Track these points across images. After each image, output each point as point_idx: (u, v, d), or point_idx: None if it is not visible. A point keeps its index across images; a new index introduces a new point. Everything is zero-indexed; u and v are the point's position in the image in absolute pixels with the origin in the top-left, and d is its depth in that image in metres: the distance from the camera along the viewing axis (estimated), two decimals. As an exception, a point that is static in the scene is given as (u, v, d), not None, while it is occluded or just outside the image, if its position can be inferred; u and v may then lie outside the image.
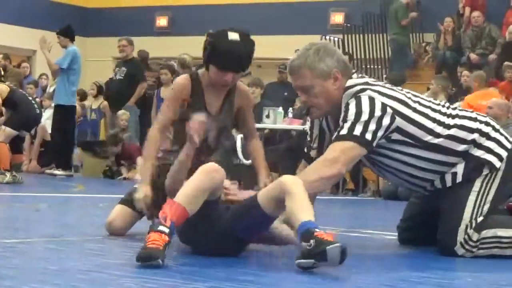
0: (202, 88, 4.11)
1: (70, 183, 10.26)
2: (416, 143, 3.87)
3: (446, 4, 14.88)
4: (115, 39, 12.73)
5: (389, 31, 14.83)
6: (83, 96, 13.85)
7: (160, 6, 18.63)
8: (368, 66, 14.69)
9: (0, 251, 3.41)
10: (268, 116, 11.14)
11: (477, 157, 3.94)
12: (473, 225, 3.91)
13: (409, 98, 3.91)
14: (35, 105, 9.82)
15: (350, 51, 14.60)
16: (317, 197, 3.95)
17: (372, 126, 3.73)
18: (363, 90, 3.81)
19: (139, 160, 9.97)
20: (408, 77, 13.65)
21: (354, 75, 3.92)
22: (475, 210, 3.92)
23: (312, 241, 3.07)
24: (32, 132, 12.08)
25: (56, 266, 3.03)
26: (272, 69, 14.47)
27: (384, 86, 3.93)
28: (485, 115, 4.16)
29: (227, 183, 3.60)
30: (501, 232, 3.95)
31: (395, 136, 3.83)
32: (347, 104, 3.79)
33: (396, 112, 3.80)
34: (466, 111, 4.13)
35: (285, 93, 12.25)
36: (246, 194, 3.60)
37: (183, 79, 4.16)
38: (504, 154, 3.98)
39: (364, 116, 3.72)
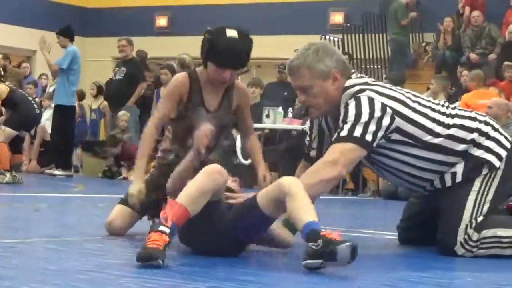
0: (200, 85, 4.11)
1: (70, 183, 10.26)
2: (416, 143, 3.87)
3: (445, 4, 14.88)
4: (114, 39, 12.72)
5: (389, 31, 14.83)
6: (81, 96, 13.86)
7: (159, 6, 18.63)
8: (368, 66, 14.69)
9: (0, 251, 3.41)
10: (268, 116, 11.14)
11: (476, 157, 3.94)
12: (473, 225, 3.91)
13: (409, 98, 3.91)
14: (35, 105, 9.83)
15: (350, 51, 14.60)
16: (317, 197, 3.94)
17: (372, 127, 3.72)
18: (362, 90, 3.81)
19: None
20: (408, 77, 13.65)
21: (353, 75, 3.91)
22: (475, 209, 3.92)
23: (319, 241, 3.05)
24: (32, 132, 12.08)
25: (56, 266, 3.02)
26: (271, 69, 14.48)
27: (383, 86, 3.93)
28: (484, 115, 4.16)
29: (230, 183, 3.59)
30: (501, 232, 3.95)
31: (395, 136, 3.83)
32: (347, 105, 3.78)
33: (395, 112, 3.80)
34: (466, 110, 4.13)
35: (285, 93, 12.26)
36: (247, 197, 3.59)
37: (181, 76, 4.17)
38: (503, 153, 3.98)
39: (364, 117, 3.72)
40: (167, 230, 3.15)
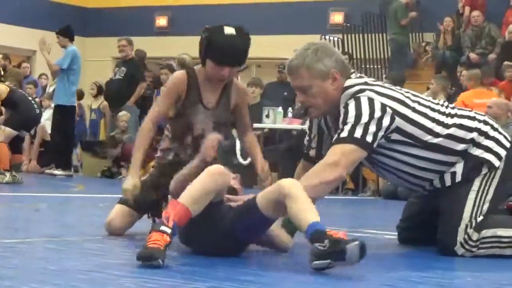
0: (198, 83, 4.13)
1: (70, 183, 10.27)
2: (416, 142, 3.87)
3: (445, 4, 14.87)
4: (114, 39, 12.73)
5: (389, 30, 14.83)
6: (80, 95, 13.86)
7: (159, 6, 18.63)
8: (368, 66, 14.69)
9: (0, 251, 3.41)
10: (267, 116, 11.15)
11: (476, 156, 3.94)
12: (473, 224, 3.91)
13: (408, 97, 3.91)
14: (35, 105, 9.83)
15: (350, 51, 14.59)
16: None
17: (372, 128, 3.72)
18: (362, 90, 3.80)
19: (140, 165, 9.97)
20: (408, 77, 13.65)
21: (353, 75, 3.91)
22: (475, 209, 3.92)
23: (326, 241, 3.03)
24: (32, 132, 12.08)
25: (56, 266, 3.02)
26: (271, 69, 14.48)
27: (383, 86, 3.92)
28: (483, 114, 4.16)
29: (232, 181, 3.58)
30: (501, 231, 3.95)
31: (395, 136, 3.83)
32: (346, 105, 3.78)
33: (395, 112, 3.79)
34: (465, 110, 4.13)
35: (285, 93, 12.25)
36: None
37: (179, 74, 4.19)
38: (503, 153, 3.98)
39: (364, 118, 3.71)
40: (168, 230, 3.14)
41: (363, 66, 14.61)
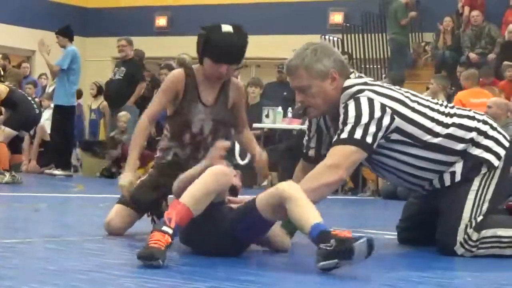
0: (196, 81, 4.15)
1: (70, 183, 10.27)
2: (415, 142, 3.87)
3: (445, 4, 14.88)
4: (114, 39, 12.72)
5: (389, 30, 14.83)
6: (78, 94, 13.86)
7: (159, 6, 18.63)
8: (368, 66, 14.69)
9: (0, 251, 3.40)
10: (267, 116, 11.15)
11: (475, 156, 3.94)
12: (473, 224, 3.91)
13: (407, 97, 3.90)
14: (35, 105, 9.83)
15: (350, 51, 14.60)
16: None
17: (372, 129, 3.71)
18: (361, 90, 3.79)
19: (137, 162, 9.96)
20: (407, 76, 13.64)
21: (352, 75, 3.91)
22: (474, 209, 3.92)
23: (332, 241, 3.02)
24: (32, 132, 12.08)
25: (55, 266, 3.02)
26: (271, 69, 14.48)
27: (382, 86, 3.92)
28: (482, 113, 4.16)
29: (234, 180, 3.58)
30: (500, 231, 3.95)
31: (395, 136, 3.83)
32: (346, 105, 3.77)
33: (395, 112, 3.79)
34: (464, 109, 4.12)
35: (285, 93, 12.25)
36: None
37: (177, 72, 4.21)
38: (502, 152, 3.98)
39: (364, 119, 3.70)
40: (170, 231, 3.14)
41: (362, 66, 14.61)
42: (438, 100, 4.16)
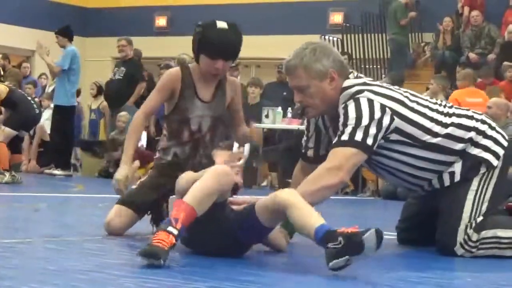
0: (193, 79, 4.16)
1: (69, 183, 10.27)
2: (415, 142, 3.86)
3: (445, 4, 14.87)
4: (114, 39, 12.73)
5: (388, 31, 14.83)
6: (76, 93, 13.86)
7: (159, 6, 18.63)
8: (367, 66, 14.69)
9: (0, 251, 3.40)
10: (267, 116, 11.15)
11: (474, 156, 3.94)
12: (473, 225, 3.91)
13: (407, 97, 3.90)
14: (34, 105, 9.82)
15: (349, 51, 14.60)
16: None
17: (372, 130, 3.70)
18: (361, 91, 3.79)
19: (136, 162, 9.97)
20: (407, 77, 13.65)
21: (351, 75, 3.91)
22: (474, 209, 3.92)
23: (339, 239, 2.99)
24: (31, 132, 12.08)
25: (55, 266, 3.02)
26: (271, 69, 14.47)
27: (381, 86, 3.92)
28: (481, 113, 4.16)
29: (237, 178, 3.58)
30: (500, 232, 3.95)
31: (394, 136, 3.82)
32: (346, 106, 3.76)
33: (394, 113, 3.79)
34: (462, 109, 4.12)
35: (284, 93, 12.24)
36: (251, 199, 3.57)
37: (173, 70, 4.25)
38: (501, 152, 3.98)
39: (365, 120, 3.69)
40: (175, 232, 3.13)
41: (362, 66, 14.61)
42: (437, 100, 4.16)
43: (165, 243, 3.06)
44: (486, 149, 3.96)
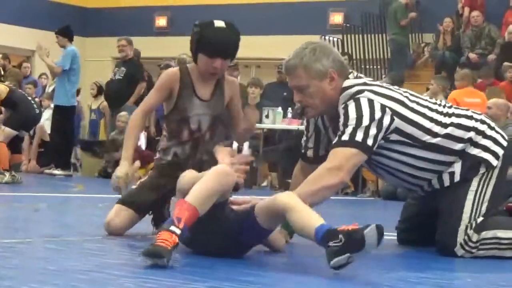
0: (191, 79, 4.17)
1: (70, 183, 10.27)
2: (414, 143, 3.86)
3: (445, 4, 14.88)
4: (114, 39, 12.73)
5: (388, 31, 14.83)
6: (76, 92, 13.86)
7: (159, 6, 18.63)
8: (368, 67, 14.69)
9: (0, 251, 3.40)
10: (267, 116, 11.15)
11: (473, 156, 3.94)
12: (473, 225, 3.91)
13: (407, 97, 3.90)
14: (35, 105, 9.83)
15: (350, 51, 14.60)
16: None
17: (373, 131, 3.70)
18: (361, 91, 3.79)
19: (137, 163, 9.98)
20: (407, 77, 13.65)
21: (351, 75, 3.90)
22: (474, 210, 3.92)
23: (340, 236, 2.98)
24: (31, 132, 12.08)
25: (55, 266, 3.02)
26: (271, 69, 14.48)
27: (381, 86, 3.92)
28: (480, 113, 4.16)
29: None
30: (500, 233, 3.95)
31: (394, 136, 3.82)
32: (346, 106, 3.76)
33: (394, 113, 3.79)
34: (462, 109, 4.12)
35: (284, 93, 12.24)
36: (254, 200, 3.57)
37: (172, 70, 4.28)
38: (500, 152, 3.98)
39: (365, 121, 3.69)
40: (178, 231, 3.12)
41: (362, 66, 14.61)
42: (436, 100, 4.16)
43: (168, 243, 3.06)
44: (485, 149, 3.96)
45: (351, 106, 3.74)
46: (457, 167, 3.94)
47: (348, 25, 15.44)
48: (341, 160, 3.63)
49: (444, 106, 4.02)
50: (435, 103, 4.02)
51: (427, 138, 3.87)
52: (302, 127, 5.05)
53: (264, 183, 11.90)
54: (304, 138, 4.24)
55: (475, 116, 4.04)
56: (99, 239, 3.98)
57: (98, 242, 3.89)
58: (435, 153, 3.90)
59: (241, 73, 13.07)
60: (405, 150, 3.88)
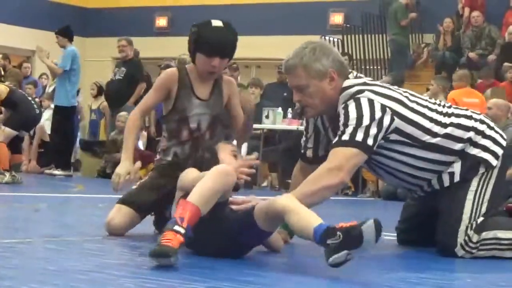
0: (190, 79, 4.19)
1: (70, 183, 10.27)
2: (414, 142, 3.86)
3: (445, 5, 14.88)
4: (114, 39, 12.73)
5: (389, 31, 14.83)
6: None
7: (159, 6, 18.63)
8: (368, 67, 14.69)
9: (0, 251, 3.40)
10: (267, 117, 11.15)
11: (473, 156, 3.94)
12: (473, 226, 3.91)
13: (406, 97, 3.90)
14: (35, 105, 9.83)
15: (350, 52, 14.60)
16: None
17: (373, 131, 3.70)
18: (361, 91, 3.79)
19: (138, 163, 9.98)
20: (407, 77, 13.65)
21: (351, 75, 3.91)
22: (474, 210, 3.92)
23: (339, 233, 2.96)
24: (31, 132, 12.08)
25: (55, 266, 3.02)
26: (271, 70, 14.48)
27: (381, 86, 3.92)
28: (479, 113, 4.16)
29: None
30: (500, 233, 3.95)
31: (394, 136, 3.82)
32: (346, 106, 3.76)
33: (394, 113, 3.79)
34: (461, 109, 4.12)
35: (284, 94, 12.25)
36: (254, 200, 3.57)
37: (170, 70, 4.30)
38: (499, 152, 3.98)
39: (365, 121, 3.69)
40: (182, 231, 3.12)
41: (363, 67, 14.61)
42: (436, 100, 4.16)
43: (174, 242, 3.06)
44: (485, 149, 3.96)
45: (351, 106, 3.74)
46: (456, 167, 3.94)
47: (348, 25, 15.44)
48: (341, 160, 3.63)
49: (443, 106, 4.02)
50: (435, 103, 4.02)
51: (426, 138, 3.87)
52: (302, 128, 5.05)
53: (264, 183, 11.90)
54: (304, 138, 4.24)
55: (474, 116, 4.04)
56: (99, 239, 3.98)
57: (98, 242, 3.89)
58: (434, 153, 3.90)
59: (241, 73, 13.07)
60: (405, 150, 3.88)
